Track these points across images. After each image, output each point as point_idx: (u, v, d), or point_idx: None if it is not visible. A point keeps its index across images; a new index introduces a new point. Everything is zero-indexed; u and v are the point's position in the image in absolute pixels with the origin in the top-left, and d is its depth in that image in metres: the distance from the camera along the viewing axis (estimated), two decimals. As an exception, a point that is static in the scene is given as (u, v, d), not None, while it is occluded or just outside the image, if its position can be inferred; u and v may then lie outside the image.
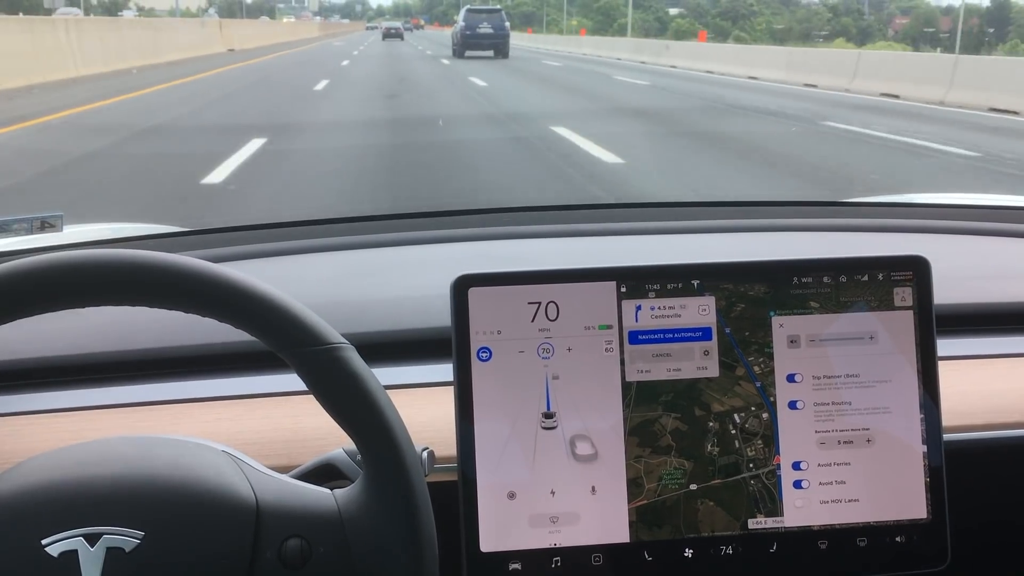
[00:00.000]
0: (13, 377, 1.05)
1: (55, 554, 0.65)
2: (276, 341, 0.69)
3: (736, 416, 0.86)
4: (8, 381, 1.05)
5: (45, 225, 1.44)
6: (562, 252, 1.41)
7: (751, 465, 0.86)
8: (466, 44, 30.51)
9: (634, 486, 0.85)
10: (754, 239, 1.48)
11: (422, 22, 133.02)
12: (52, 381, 1.05)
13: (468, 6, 32.36)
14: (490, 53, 30.87)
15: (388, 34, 55.81)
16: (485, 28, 30.71)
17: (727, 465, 0.86)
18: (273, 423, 0.96)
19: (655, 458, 0.85)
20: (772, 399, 0.86)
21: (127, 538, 0.65)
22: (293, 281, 1.27)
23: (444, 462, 0.85)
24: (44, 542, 0.65)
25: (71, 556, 0.65)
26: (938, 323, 0.89)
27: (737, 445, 0.86)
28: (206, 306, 0.68)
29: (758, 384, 0.86)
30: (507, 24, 31.88)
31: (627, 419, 0.85)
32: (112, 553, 0.65)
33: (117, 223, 1.90)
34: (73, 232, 1.48)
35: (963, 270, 1.30)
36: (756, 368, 0.86)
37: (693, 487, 0.85)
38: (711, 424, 0.86)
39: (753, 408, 0.86)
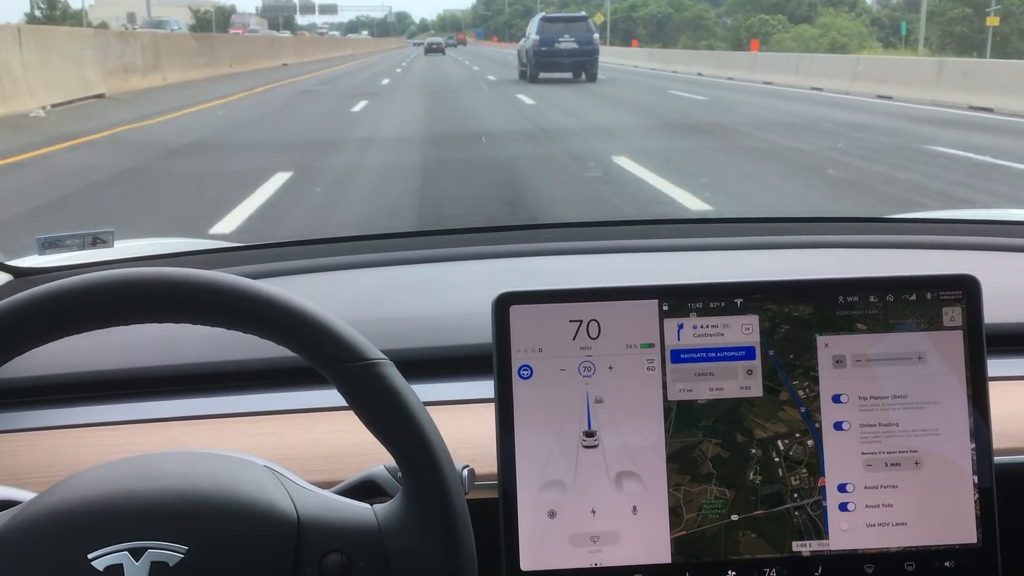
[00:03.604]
0: (61, 391, 1.07)
1: (101, 568, 0.66)
2: (316, 357, 0.69)
3: (780, 443, 0.84)
4: (57, 395, 1.07)
5: (97, 241, 1.48)
6: (603, 269, 1.41)
7: (795, 495, 0.84)
8: (541, 64, 23.03)
9: (673, 515, 0.83)
10: (797, 256, 1.46)
11: (469, 37, 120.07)
12: (100, 395, 1.07)
13: (542, 14, 24.45)
14: (569, 75, 23.42)
15: (430, 49, 61.12)
16: (567, 42, 22.95)
17: (770, 495, 0.84)
18: (315, 438, 0.97)
19: (695, 486, 0.84)
20: (817, 425, 0.85)
21: (171, 552, 0.66)
22: (334, 297, 1.28)
23: (485, 479, 0.85)
24: (90, 556, 0.66)
25: (116, 570, 0.66)
26: (988, 342, 0.87)
27: (781, 474, 0.84)
28: (247, 323, 0.69)
29: (803, 409, 0.85)
30: (596, 36, 24.06)
31: (668, 443, 0.84)
32: (156, 567, 0.66)
33: (166, 238, 1.93)
34: (123, 247, 1.51)
35: (1012, 288, 1.28)
36: (801, 392, 0.85)
37: (734, 517, 0.84)
38: (753, 451, 0.84)
39: (798, 435, 0.85)
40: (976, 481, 0.85)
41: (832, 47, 36.38)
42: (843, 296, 0.86)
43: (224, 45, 29.13)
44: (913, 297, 0.86)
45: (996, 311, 0.96)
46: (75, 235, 1.46)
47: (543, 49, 22.91)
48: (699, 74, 26.94)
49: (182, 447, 0.95)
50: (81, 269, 1.38)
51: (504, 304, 0.84)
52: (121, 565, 0.66)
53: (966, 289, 0.86)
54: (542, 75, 23.24)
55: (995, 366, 0.91)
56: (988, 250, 1.47)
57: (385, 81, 25.25)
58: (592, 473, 0.84)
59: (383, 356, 0.71)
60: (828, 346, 0.85)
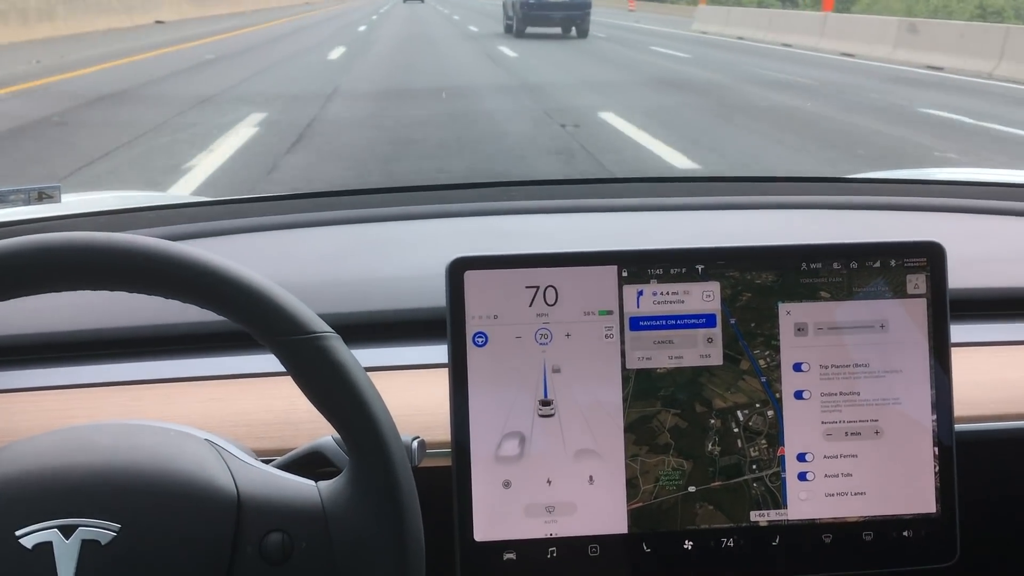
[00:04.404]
0: (5, 353, 1.03)
1: (29, 546, 0.63)
2: (256, 329, 0.67)
3: (739, 413, 0.83)
4: (1, 357, 1.03)
5: (43, 196, 1.42)
6: (564, 229, 1.38)
7: (754, 466, 0.83)
8: (528, 17, 20.66)
9: (630, 487, 0.82)
10: (761, 217, 1.44)
11: None
12: (45, 357, 1.03)
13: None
14: (558, 30, 21.09)
15: None
16: (557, -6, 20.40)
17: (728, 466, 0.83)
18: (267, 404, 0.94)
19: (652, 457, 0.82)
20: (777, 395, 0.83)
21: (103, 531, 0.64)
22: (288, 257, 1.25)
23: (438, 447, 0.83)
24: (18, 533, 0.63)
25: (46, 548, 0.63)
26: (951, 308, 0.86)
27: (740, 444, 0.83)
28: (182, 292, 0.66)
29: (763, 379, 0.83)
30: None
31: (625, 413, 0.82)
32: (88, 546, 0.63)
33: (117, 192, 1.87)
34: (71, 202, 1.45)
35: (978, 252, 1.27)
36: (762, 362, 0.83)
37: (692, 489, 0.82)
38: (712, 421, 0.83)
39: (757, 405, 0.83)
40: (936, 451, 0.84)
41: (983, 12, 23.35)
42: (806, 263, 0.84)
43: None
44: (877, 264, 0.84)
45: (961, 276, 0.95)
46: (20, 190, 1.40)
47: (531, 1, 20.47)
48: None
49: (129, 413, 0.92)
50: (27, 225, 1.33)
51: (458, 269, 0.81)
52: (51, 543, 0.63)
53: (931, 256, 0.85)
54: (530, 29, 20.97)
55: (957, 332, 0.90)
56: (954, 212, 1.46)
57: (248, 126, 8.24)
58: (548, 443, 0.82)
59: (327, 329, 0.68)
60: (790, 314, 0.84)
